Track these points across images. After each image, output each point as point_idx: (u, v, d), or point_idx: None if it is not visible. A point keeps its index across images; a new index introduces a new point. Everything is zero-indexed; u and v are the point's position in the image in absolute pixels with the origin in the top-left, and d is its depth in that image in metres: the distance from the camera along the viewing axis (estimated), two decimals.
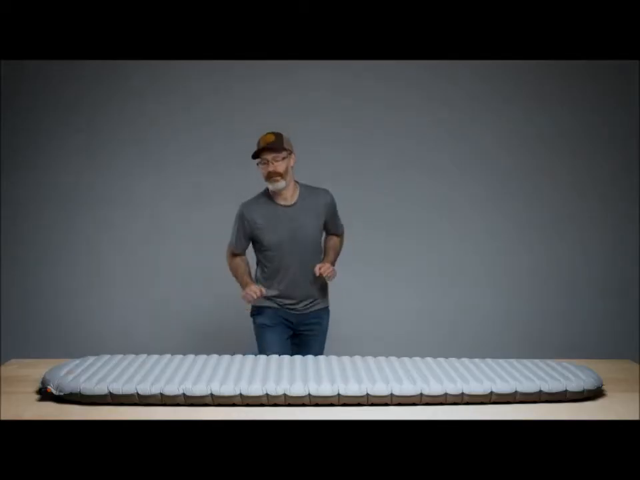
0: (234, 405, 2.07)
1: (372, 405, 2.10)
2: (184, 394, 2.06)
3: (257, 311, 2.99)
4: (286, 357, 2.39)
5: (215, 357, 2.39)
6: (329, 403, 2.08)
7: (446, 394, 2.11)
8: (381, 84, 4.10)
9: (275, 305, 2.97)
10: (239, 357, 2.40)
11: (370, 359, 2.39)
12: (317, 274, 2.85)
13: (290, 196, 2.92)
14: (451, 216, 4.17)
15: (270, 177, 2.83)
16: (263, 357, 2.39)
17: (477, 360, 2.39)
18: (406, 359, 2.39)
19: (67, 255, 4.16)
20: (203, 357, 2.37)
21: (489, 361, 2.38)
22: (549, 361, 2.39)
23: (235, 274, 3.01)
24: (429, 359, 2.40)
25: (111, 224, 4.16)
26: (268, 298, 2.95)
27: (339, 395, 2.08)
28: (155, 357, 2.37)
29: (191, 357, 2.38)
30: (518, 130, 4.12)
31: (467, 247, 4.17)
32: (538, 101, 4.10)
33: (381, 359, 2.39)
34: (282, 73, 4.06)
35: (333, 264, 2.99)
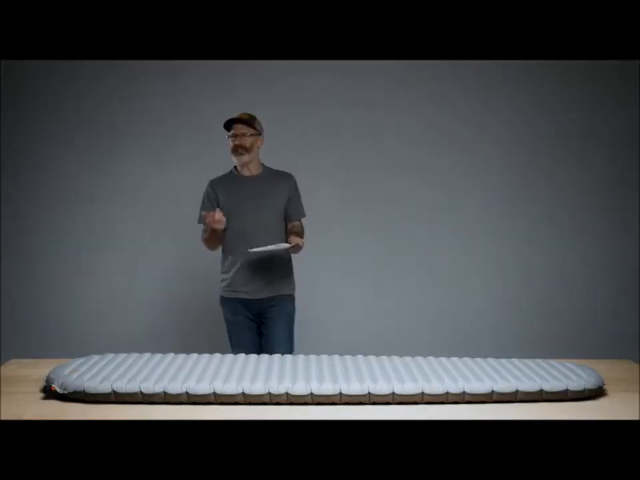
0: (236, 403, 2.08)
1: (374, 403, 2.10)
2: (187, 392, 2.06)
3: (222, 301, 3.15)
4: (288, 356, 2.40)
5: (217, 355, 2.39)
6: (331, 401, 2.09)
7: (447, 393, 2.11)
8: (379, 84, 4.11)
9: (235, 295, 3.07)
10: (241, 355, 2.41)
11: (372, 358, 2.40)
12: (292, 243, 2.94)
13: (254, 170, 3.13)
14: (452, 216, 4.17)
15: (236, 149, 3.04)
16: (265, 356, 2.40)
17: (478, 359, 2.40)
18: (408, 358, 2.40)
19: (67, 255, 4.16)
20: (206, 356, 2.38)
21: (491, 360, 2.38)
22: (551, 361, 2.39)
23: (204, 239, 3.13)
24: (430, 358, 2.40)
25: (112, 224, 4.16)
26: (229, 286, 3.08)
27: (340, 393, 2.08)
28: (159, 355, 2.38)
29: (194, 355, 2.39)
30: (517, 130, 4.13)
31: (467, 247, 4.17)
32: (538, 101, 4.11)
33: (383, 358, 2.40)
34: (281, 73, 4.07)
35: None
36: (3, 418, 1.94)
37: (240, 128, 3.05)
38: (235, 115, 3.09)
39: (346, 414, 2.03)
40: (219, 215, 2.92)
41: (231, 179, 3.15)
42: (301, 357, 2.40)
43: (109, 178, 4.15)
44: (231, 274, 3.09)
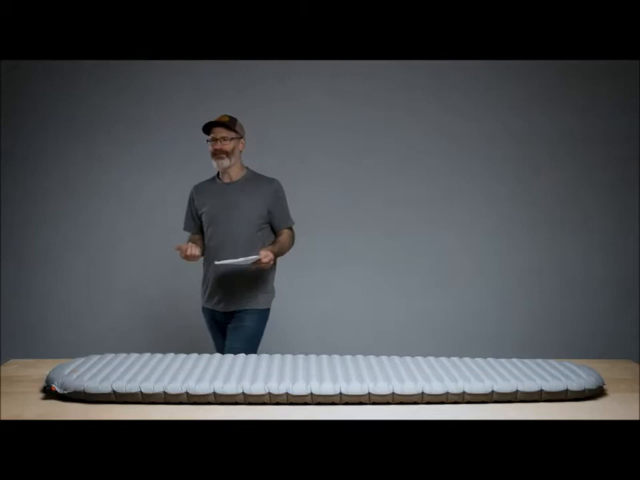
0: (236, 403, 2.08)
1: (374, 403, 2.10)
2: (187, 392, 2.06)
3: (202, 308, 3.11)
4: (288, 356, 2.40)
5: (217, 355, 2.40)
6: (331, 401, 2.09)
7: (447, 393, 2.11)
8: (378, 85, 4.11)
9: (206, 305, 3.04)
10: (241, 355, 2.40)
11: (372, 357, 2.40)
12: (260, 255, 2.78)
13: (234, 175, 2.99)
14: (452, 216, 4.17)
15: (215, 154, 2.92)
16: (265, 356, 2.40)
17: (478, 359, 2.40)
18: (407, 358, 2.39)
19: (67, 255, 4.17)
20: (206, 356, 2.38)
21: (491, 360, 2.38)
22: (550, 361, 2.39)
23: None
24: (430, 358, 2.40)
25: (112, 224, 4.16)
26: (203, 297, 3.04)
27: (340, 393, 2.08)
28: (158, 355, 2.38)
29: (194, 355, 2.39)
30: (516, 130, 4.13)
31: (467, 247, 4.17)
32: (537, 101, 4.11)
33: (383, 357, 2.40)
34: (281, 74, 4.07)
35: (275, 255, 2.89)
36: (3, 418, 1.94)
37: (220, 131, 2.92)
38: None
39: (346, 414, 2.03)
40: (191, 251, 2.83)
41: (211, 185, 3.05)
42: (301, 357, 2.40)
43: (110, 179, 4.15)
44: (204, 285, 3.05)
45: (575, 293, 4.14)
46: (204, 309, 3.09)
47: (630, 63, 3.87)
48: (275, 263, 2.99)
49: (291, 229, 3.05)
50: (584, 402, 2.15)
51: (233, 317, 2.97)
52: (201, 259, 3.01)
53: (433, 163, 4.15)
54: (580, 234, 4.14)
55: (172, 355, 2.40)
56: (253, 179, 3.00)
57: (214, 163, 2.95)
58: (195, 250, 2.85)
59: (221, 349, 2.99)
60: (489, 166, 4.15)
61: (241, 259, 2.78)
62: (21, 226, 4.15)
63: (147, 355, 2.39)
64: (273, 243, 2.97)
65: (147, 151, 4.15)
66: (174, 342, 4.05)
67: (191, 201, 3.07)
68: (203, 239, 3.06)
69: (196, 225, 3.08)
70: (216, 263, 2.84)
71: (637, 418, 2.01)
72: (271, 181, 3.01)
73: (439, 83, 4.12)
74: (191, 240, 3.06)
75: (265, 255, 2.80)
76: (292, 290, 4.13)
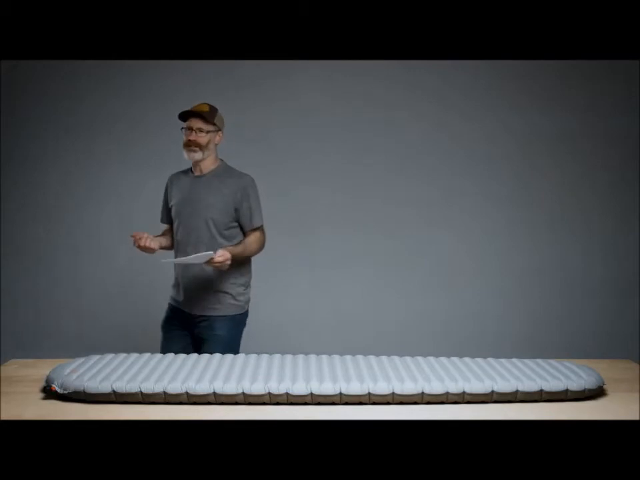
0: (236, 403, 2.08)
1: (373, 403, 2.10)
2: (187, 392, 2.06)
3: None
4: (289, 356, 2.40)
5: (217, 355, 2.40)
6: (331, 401, 2.09)
7: (447, 393, 2.11)
8: (378, 85, 4.11)
9: (172, 302, 2.90)
10: (241, 355, 2.41)
11: (372, 357, 2.40)
12: (215, 254, 2.59)
13: (205, 169, 2.82)
14: (452, 216, 4.17)
15: (188, 145, 2.75)
16: (265, 356, 2.40)
17: (478, 359, 2.40)
18: (408, 358, 2.40)
19: (67, 255, 4.16)
20: (205, 356, 2.38)
21: (491, 360, 2.38)
22: (550, 361, 2.39)
23: None
24: (430, 358, 2.40)
25: (112, 224, 4.16)
26: (172, 293, 2.91)
27: (340, 393, 2.08)
28: (158, 355, 2.39)
29: (194, 355, 2.39)
30: (516, 130, 4.13)
31: (467, 247, 4.17)
32: (537, 101, 4.11)
33: (383, 357, 2.40)
34: (281, 74, 4.07)
35: (235, 255, 2.69)
36: (3, 418, 1.94)
37: (196, 122, 2.74)
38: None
39: (346, 414, 2.03)
40: (145, 242, 2.68)
41: (183, 177, 2.88)
42: (301, 357, 2.40)
43: (110, 179, 4.15)
44: (175, 282, 2.92)
45: (575, 293, 4.14)
46: (168, 305, 2.93)
47: (630, 62, 3.86)
48: (247, 265, 2.87)
49: (259, 230, 2.86)
50: (584, 402, 2.15)
51: (201, 323, 2.80)
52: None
53: (433, 163, 4.15)
54: (580, 234, 4.14)
55: (172, 355, 2.40)
56: (223, 173, 2.82)
57: (185, 154, 2.77)
58: (150, 242, 2.70)
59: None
60: (489, 166, 4.15)
61: (191, 257, 2.62)
62: (21, 226, 4.15)
63: (147, 354, 2.39)
64: (237, 243, 2.79)
65: (147, 150, 4.15)
66: None
67: (165, 192, 2.95)
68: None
69: (169, 218, 2.94)
70: (162, 261, 2.70)
71: (637, 418, 2.01)
72: (242, 176, 2.82)
73: (439, 83, 4.12)
74: (164, 233, 2.94)
75: (221, 254, 2.60)
76: (291, 289, 4.13)
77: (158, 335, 4.14)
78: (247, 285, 2.89)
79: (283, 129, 4.09)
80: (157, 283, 4.18)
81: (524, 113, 4.11)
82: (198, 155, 2.76)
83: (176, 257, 2.86)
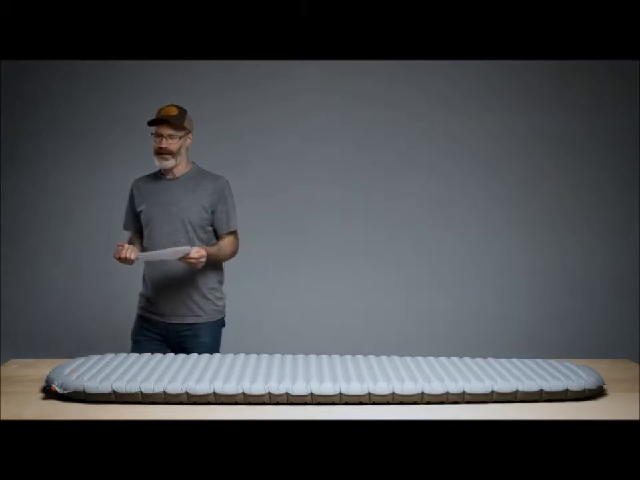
0: (236, 403, 2.08)
1: (373, 403, 2.10)
2: (187, 392, 2.06)
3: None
4: (289, 356, 2.40)
5: (217, 356, 2.40)
6: (331, 401, 2.09)
7: (447, 393, 2.11)
8: (377, 85, 4.11)
9: (145, 313, 2.80)
10: (241, 355, 2.40)
11: (372, 357, 2.40)
12: (191, 249, 2.56)
13: (177, 172, 2.75)
14: (452, 216, 4.17)
15: (159, 152, 2.67)
16: (265, 356, 2.40)
17: (478, 359, 2.40)
18: (408, 358, 2.39)
19: (67, 256, 4.16)
20: (205, 356, 2.38)
21: (491, 360, 2.38)
22: (550, 361, 2.39)
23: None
24: (430, 358, 2.40)
25: (113, 224, 4.14)
26: (143, 304, 2.80)
27: (340, 393, 2.08)
28: (158, 355, 2.39)
29: (194, 355, 2.39)
30: (515, 130, 4.13)
31: (466, 247, 4.17)
32: (537, 101, 4.11)
33: (383, 357, 2.40)
34: (281, 74, 4.07)
35: (209, 255, 2.64)
36: (3, 418, 1.94)
37: (166, 129, 2.65)
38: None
39: (346, 414, 2.03)
40: (127, 253, 2.55)
41: (152, 180, 2.80)
42: (300, 357, 2.39)
43: (111, 179, 4.15)
44: (144, 291, 2.83)
45: (575, 293, 4.14)
46: (140, 317, 2.84)
47: (630, 62, 3.86)
48: (221, 269, 2.83)
49: (234, 234, 2.81)
50: (584, 402, 2.15)
51: (184, 332, 2.74)
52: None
53: (433, 163, 4.15)
54: (581, 234, 4.14)
55: (172, 355, 2.40)
56: (197, 175, 2.76)
57: (156, 161, 2.70)
58: (132, 253, 2.58)
59: None
60: (489, 166, 4.15)
61: (168, 250, 2.57)
62: (21, 226, 4.15)
63: (147, 354, 2.39)
64: (212, 244, 2.76)
65: (147, 151, 4.14)
66: None
67: (131, 197, 2.83)
68: (142, 240, 2.82)
69: (136, 224, 2.82)
70: (139, 254, 2.61)
71: (637, 418, 2.01)
72: (217, 177, 2.77)
73: (439, 83, 4.12)
74: (130, 241, 2.83)
75: (197, 251, 2.56)
76: (290, 289, 4.13)
77: None
78: (222, 289, 2.86)
79: (282, 129, 4.09)
80: None
81: (524, 113, 4.11)
82: (170, 163, 2.70)
83: (147, 265, 2.78)
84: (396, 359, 2.39)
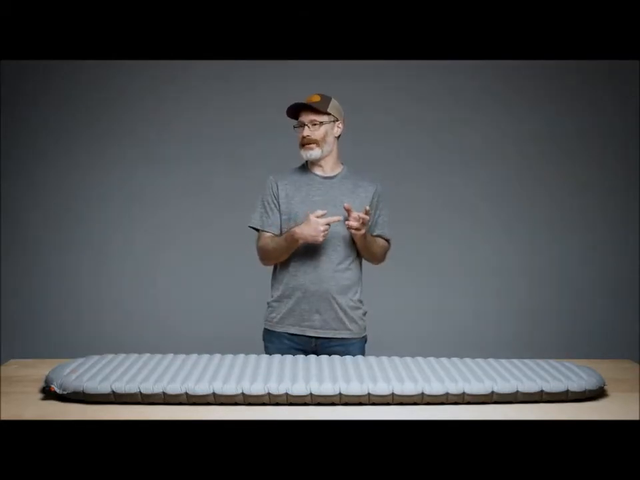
0: (236, 403, 2.08)
1: (373, 404, 2.10)
2: (186, 393, 2.06)
3: (267, 337, 2.59)
4: (288, 357, 2.39)
5: (217, 356, 2.39)
6: (331, 402, 2.09)
7: (447, 393, 2.10)
8: (377, 84, 4.11)
9: (290, 330, 2.54)
10: (241, 356, 2.40)
11: (372, 358, 2.39)
12: (358, 217, 2.33)
13: (330, 168, 2.53)
14: (452, 216, 4.17)
15: (303, 143, 2.47)
16: (265, 357, 2.39)
17: (478, 359, 2.39)
18: (408, 359, 2.39)
19: (67, 255, 4.17)
20: (205, 356, 2.38)
21: (491, 360, 2.38)
22: (551, 361, 2.39)
23: (270, 249, 2.49)
24: (430, 359, 2.40)
25: (113, 224, 4.16)
26: (278, 317, 2.55)
27: (340, 394, 2.08)
28: (158, 356, 2.38)
29: (193, 356, 2.39)
30: (515, 130, 4.13)
31: (466, 247, 4.17)
32: (537, 101, 4.12)
33: (383, 358, 2.39)
34: (281, 73, 4.07)
35: (364, 237, 2.46)
36: (3, 418, 1.94)
37: (307, 115, 2.45)
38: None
39: (346, 414, 2.02)
40: (316, 221, 2.31)
41: (301, 176, 2.54)
42: (300, 357, 2.39)
43: (113, 178, 4.15)
44: (284, 302, 2.55)
45: (575, 293, 4.14)
46: (272, 332, 2.57)
47: (630, 62, 3.87)
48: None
49: (388, 243, 2.67)
50: (585, 402, 2.15)
51: (333, 348, 2.51)
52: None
53: (433, 163, 4.15)
54: (580, 234, 4.14)
55: (171, 355, 2.40)
56: (353, 174, 2.58)
57: (302, 154, 2.49)
58: (322, 222, 2.37)
59: None
60: (488, 166, 4.15)
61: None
62: (21, 225, 4.15)
63: (147, 355, 2.39)
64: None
65: (147, 151, 4.15)
66: (174, 342, 4.05)
67: (270, 190, 2.53)
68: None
69: (276, 220, 2.54)
70: (315, 212, 2.34)
71: (638, 418, 2.01)
72: (375, 180, 2.60)
73: (438, 83, 4.12)
74: (266, 240, 2.53)
75: (359, 218, 2.33)
76: None
77: (157, 334, 4.15)
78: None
79: (282, 129, 4.09)
80: (157, 282, 4.19)
81: (524, 113, 4.11)
82: (316, 153, 2.47)
83: (289, 265, 2.52)
84: (396, 359, 2.39)
